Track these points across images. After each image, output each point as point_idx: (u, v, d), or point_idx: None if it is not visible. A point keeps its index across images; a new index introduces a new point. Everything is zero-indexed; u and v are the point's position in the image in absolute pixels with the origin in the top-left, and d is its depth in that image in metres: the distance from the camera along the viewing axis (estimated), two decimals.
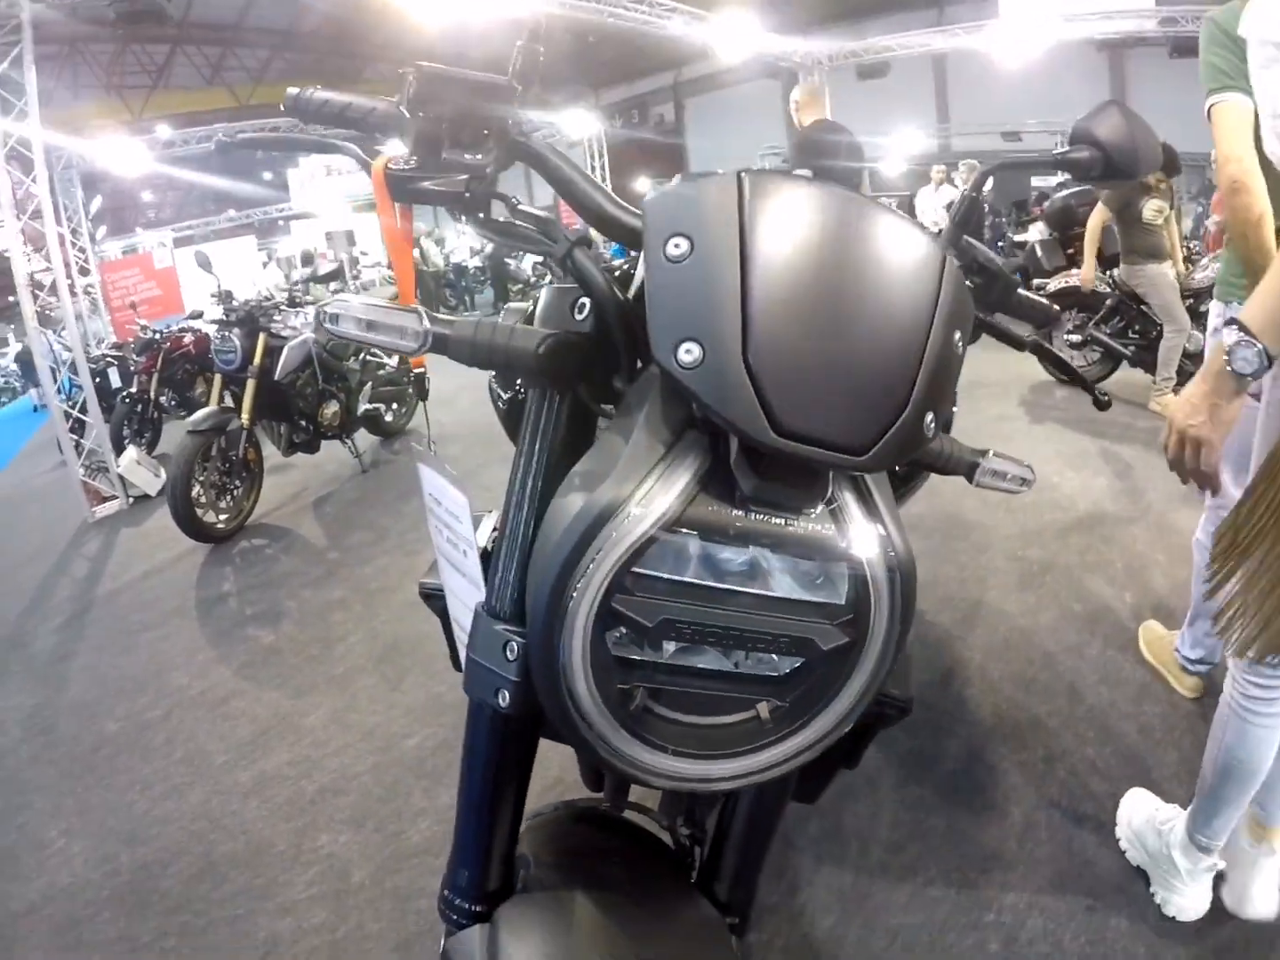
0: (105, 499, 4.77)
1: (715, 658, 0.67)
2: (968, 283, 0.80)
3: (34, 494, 6.22)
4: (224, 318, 4.11)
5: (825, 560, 0.64)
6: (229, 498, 4.00)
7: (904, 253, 0.64)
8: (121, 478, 4.70)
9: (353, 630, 3.11)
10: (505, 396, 1.32)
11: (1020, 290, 0.99)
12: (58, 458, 5.85)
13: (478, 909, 0.84)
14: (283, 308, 4.38)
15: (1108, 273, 4.89)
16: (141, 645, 3.11)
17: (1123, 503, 3.51)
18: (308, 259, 8.19)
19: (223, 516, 3.95)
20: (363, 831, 2.12)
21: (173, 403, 6.09)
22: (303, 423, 4.40)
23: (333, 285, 5.37)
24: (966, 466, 0.83)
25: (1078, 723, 2.18)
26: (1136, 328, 4.83)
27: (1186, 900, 1.62)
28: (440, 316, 0.68)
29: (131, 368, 5.83)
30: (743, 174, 0.62)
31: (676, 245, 0.59)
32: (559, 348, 0.70)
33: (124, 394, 5.76)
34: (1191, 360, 4.45)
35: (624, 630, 0.64)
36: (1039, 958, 1.58)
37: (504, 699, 0.74)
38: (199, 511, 3.77)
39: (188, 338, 6.15)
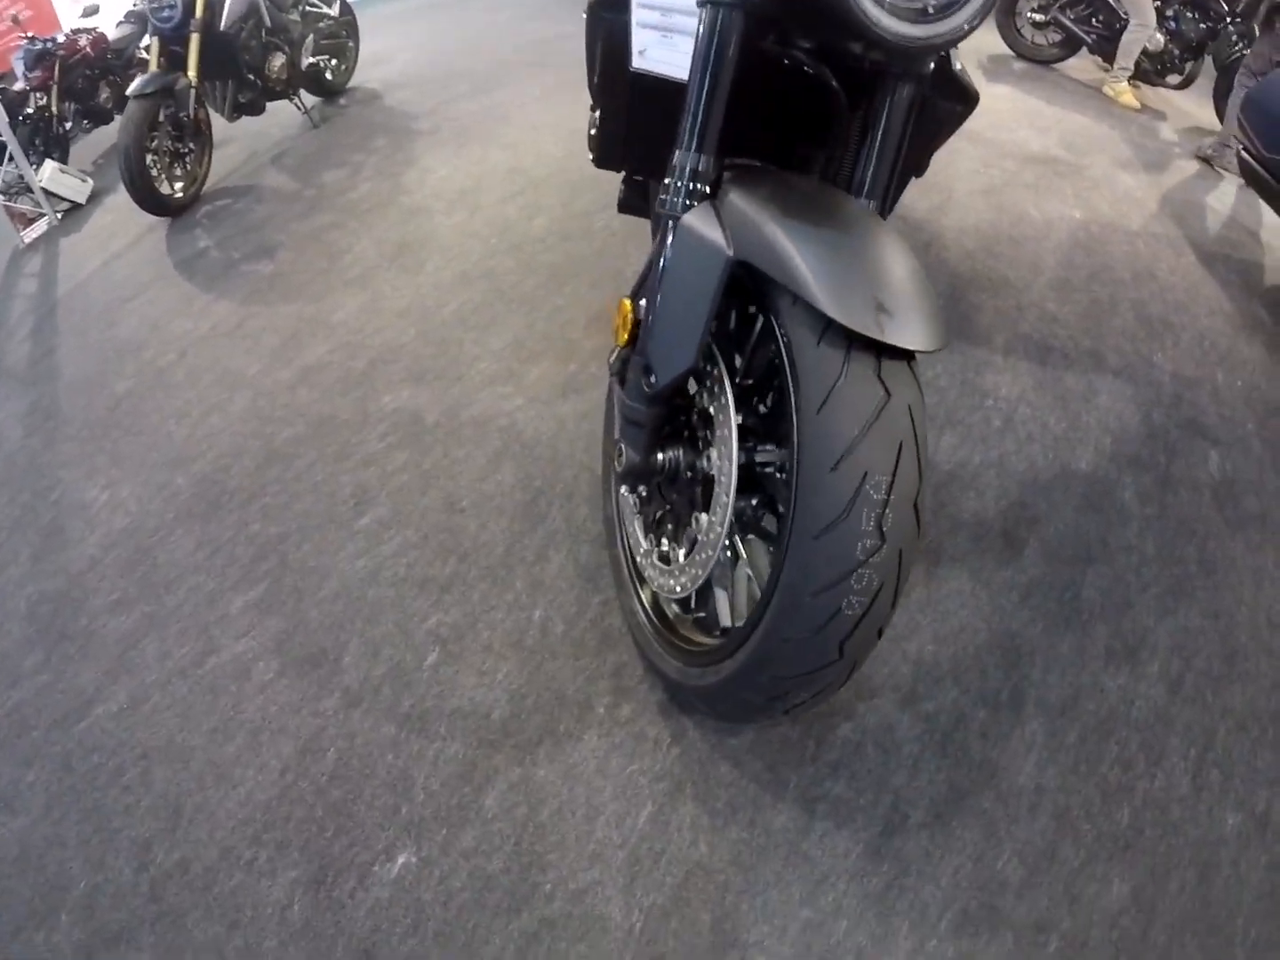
0: (32, 220, 4.28)
1: None
2: None
3: None
4: None
5: None
6: (183, 165, 3.52)
7: None
8: (46, 191, 4.17)
9: (355, 242, 2.76)
10: None
11: None
12: None
13: (703, 188, 1.01)
14: None
15: None
16: (129, 315, 2.77)
17: (1071, 154, 3.52)
18: None
19: (178, 185, 3.48)
20: (424, 384, 1.93)
21: (78, 115, 5.34)
22: (250, 77, 3.83)
23: None
24: None
25: (1043, 287, 2.48)
26: (1100, 17, 4.85)
27: None
28: None
29: (18, 87, 5.03)
30: None
31: None
32: None
33: (22, 114, 5.03)
34: (1150, 59, 4.66)
35: None
36: (1030, 432, 1.89)
37: None
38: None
39: (83, 40, 5.26)
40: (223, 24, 3.49)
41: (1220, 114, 4.30)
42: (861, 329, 0.82)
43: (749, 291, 0.98)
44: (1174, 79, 4.85)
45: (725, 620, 1.14)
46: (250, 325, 2.32)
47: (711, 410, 1.05)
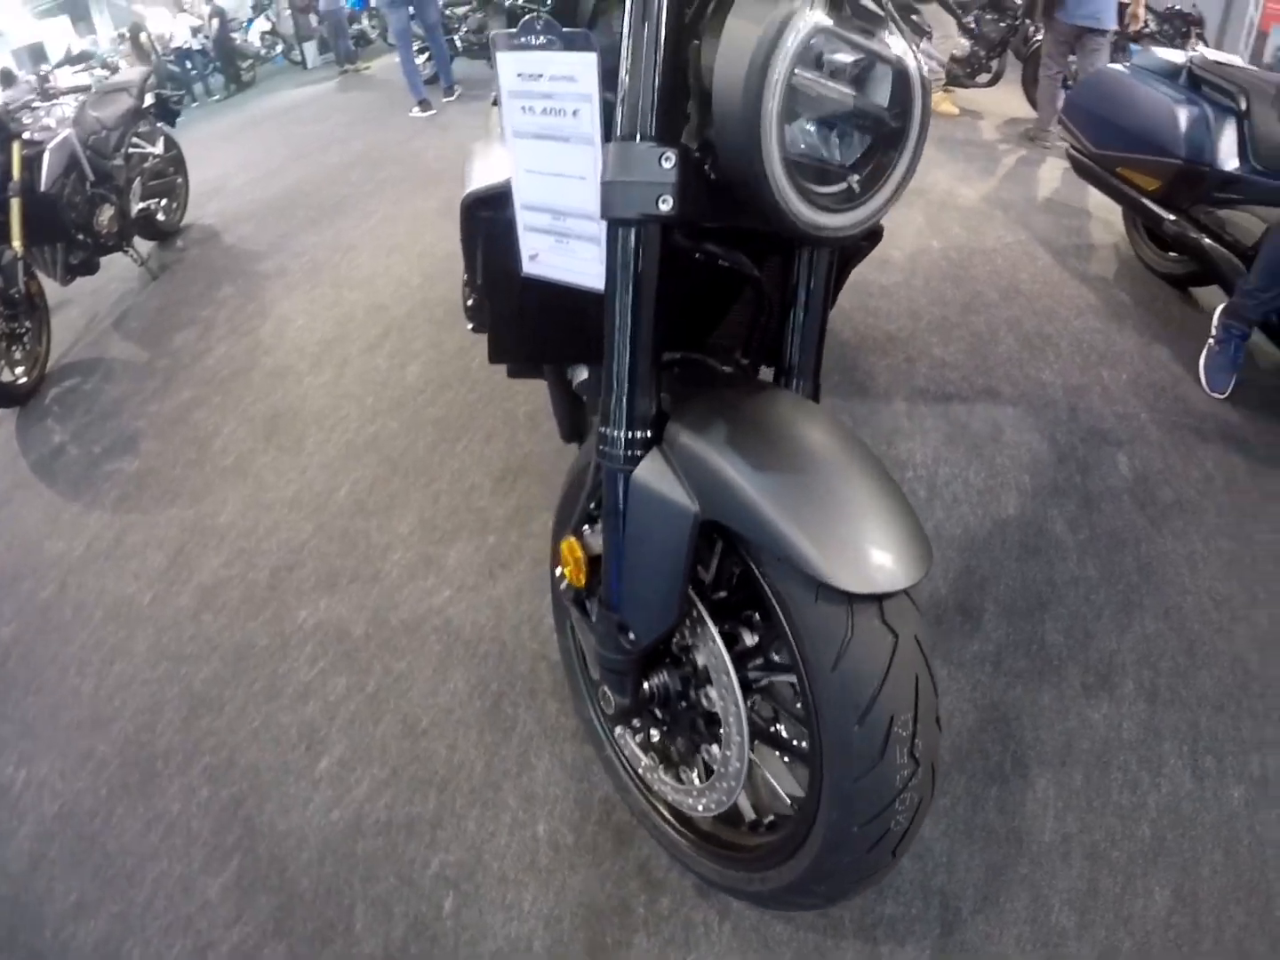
0: None
1: (845, 144, 0.87)
2: None
3: None
4: None
5: (891, 66, 0.84)
6: (21, 346, 3.27)
7: None
8: None
9: (223, 421, 2.67)
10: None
11: None
12: None
13: (647, 434, 0.95)
14: (34, 105, 3.46)
15: None
16: None
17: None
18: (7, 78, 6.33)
19: (19, 370, 3.21)
20: (338, 591, 1.88)
21: None
22: (80, 236, 3.59)
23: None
24: None
25: (925, 332, 2.66)
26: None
27: None
28: None
29: None
30: None
31: None
32: None
33: None
34: (959, 64, 5.18)
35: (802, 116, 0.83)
36: (955, 494, 2.02)
37: (666, 203, 0.85)
38: None
39: None
40: (43, 184, 3.29)
41: (1032, 100, 4.86)
42: (867, 588, 0.82)
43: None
44: (984, 78, 5.44)
45: (750, 815, 1.16)
46: (130, 541, 2.20)
47: (699, 652, 1.05)
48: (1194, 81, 2.78)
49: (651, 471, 0.93)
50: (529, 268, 1.02)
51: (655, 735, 1.18)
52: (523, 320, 1.22)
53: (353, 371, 2.82)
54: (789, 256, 1.05)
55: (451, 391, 2.61)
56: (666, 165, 0.84)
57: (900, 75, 0.84)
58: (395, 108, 6.96)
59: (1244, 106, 2.58)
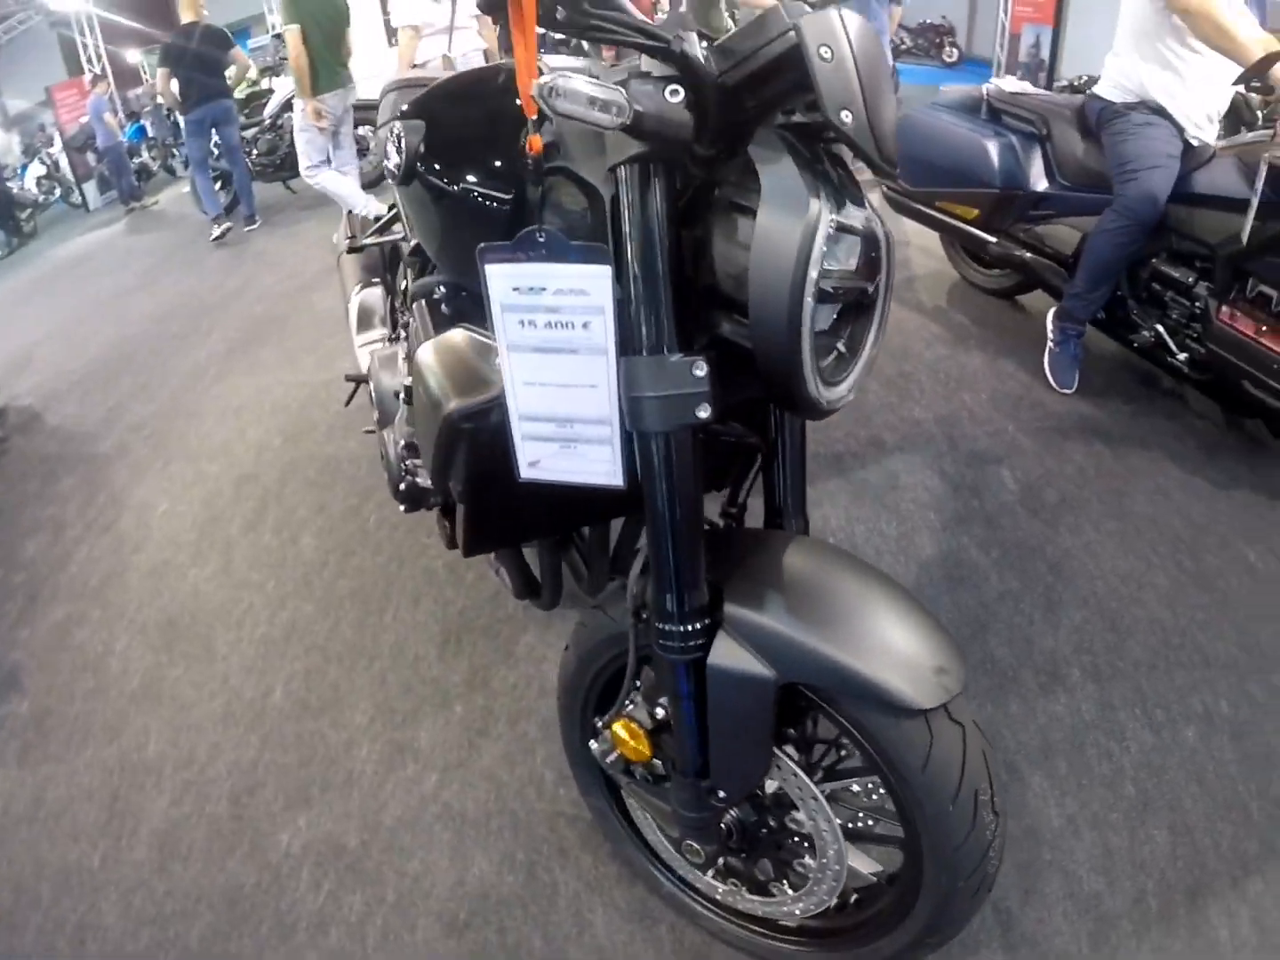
0: None
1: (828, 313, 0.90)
2: None
3: None
4: None
5: (871, 235, 0.89)
6: None
7: None
8: None
9: (111, 637, 2.50)
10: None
11: None
12: None
13: (704, 623, 0.99)
14: None
15: None
16: None
17: None
18: None
19: None
20: (314, 804, 1.81)
21: None
22: None
23: None
24: None
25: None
26: None
27: None
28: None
29: None
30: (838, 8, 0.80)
31: (824, 50, 0.77)
32: (679, 121, 0.83)
33: None
34: None
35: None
36: (876, 547, 2.26)
37: (704, 411, 0.89)
38: None
39: None
40: None
41: None
42: (939, 700, 0.94)
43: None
44: None
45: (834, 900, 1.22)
46: (52, 797, 2.03)
47: (780, 784, 1.13)
48: (994, 113, 3.17)
49: (724, 655, 0.99)
50: (528, 474, 1.00)
51: (734, 863, 1.25)
52: (504, 514, 1.28)
53: (241, 555, 2.74)
54: (765, 408, 1.16)
55: (357, 558, 2.59)
56: (699, 374, 0.88)
57: (872, 239, 0.89)
58: (196, 245, 6.77)
59: (1045, 131, 3.02)
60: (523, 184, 1.08)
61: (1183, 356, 2.65)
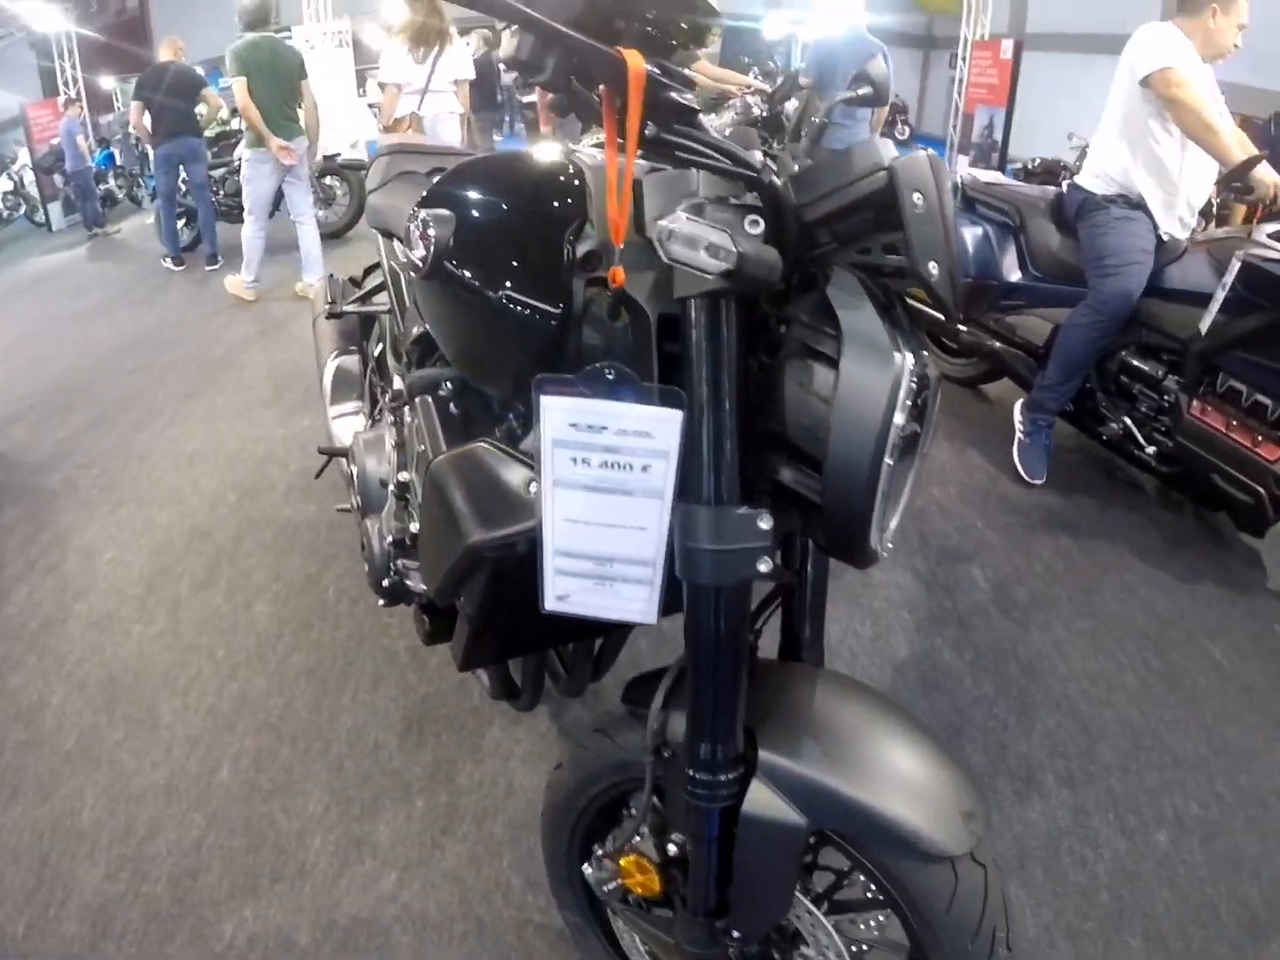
0: None
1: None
2: None
3: None
4: None
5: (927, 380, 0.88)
6: None
7: None
8: None
9: (48, 689, 2.38)
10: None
11: None
12: None
13: (736, 773, 0.98)
14: None
15: None
16: None
17: None
18: None
19: None
20: (262, 895, 1.76)
21: None
22: None
23: None
24: None
25: None
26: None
27: None
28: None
29: None
30: (927, 153, 0.81)
31: (917, 198, 0.77)
32: (771, 263, 0.80)
33: None
34: None
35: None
36: (851, 648, 2.35)
37: (765, 565, 0.86)
38: None
39: None
40: None
41: None
42: (968, 848, 0.95)
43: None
44: None
45: None
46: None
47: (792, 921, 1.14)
48: (968, 202, 3.23)
49: (757, 802, 0.97)
50: (554, 606, 0.94)
51: None
52: (509, 633, 1.27)
53: (190, 617, 2.68)
54: (790, 541, 1.14)
55: (315, 632, 2.57)
56: (764, 527, 0.85)
57: (924, 380, 0.87)
58: (158, 278, 6.70)
59: (1019, 222, 3.04)
60: (570, 298, 1.02)
61: (1151, 450, 2.73)
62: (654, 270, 0.89)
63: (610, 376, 0.83)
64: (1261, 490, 2.43)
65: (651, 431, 0.82)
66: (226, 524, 3.17)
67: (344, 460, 2.02)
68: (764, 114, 7.30)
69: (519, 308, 1.06)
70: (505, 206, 1.20)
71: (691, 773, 0.99)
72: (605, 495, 0.86)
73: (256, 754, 2.13)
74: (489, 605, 1.18)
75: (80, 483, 3.54)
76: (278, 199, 5.93)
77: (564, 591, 0.94)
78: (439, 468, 1.16)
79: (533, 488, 1.00)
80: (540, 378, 0.82)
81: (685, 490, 0.85)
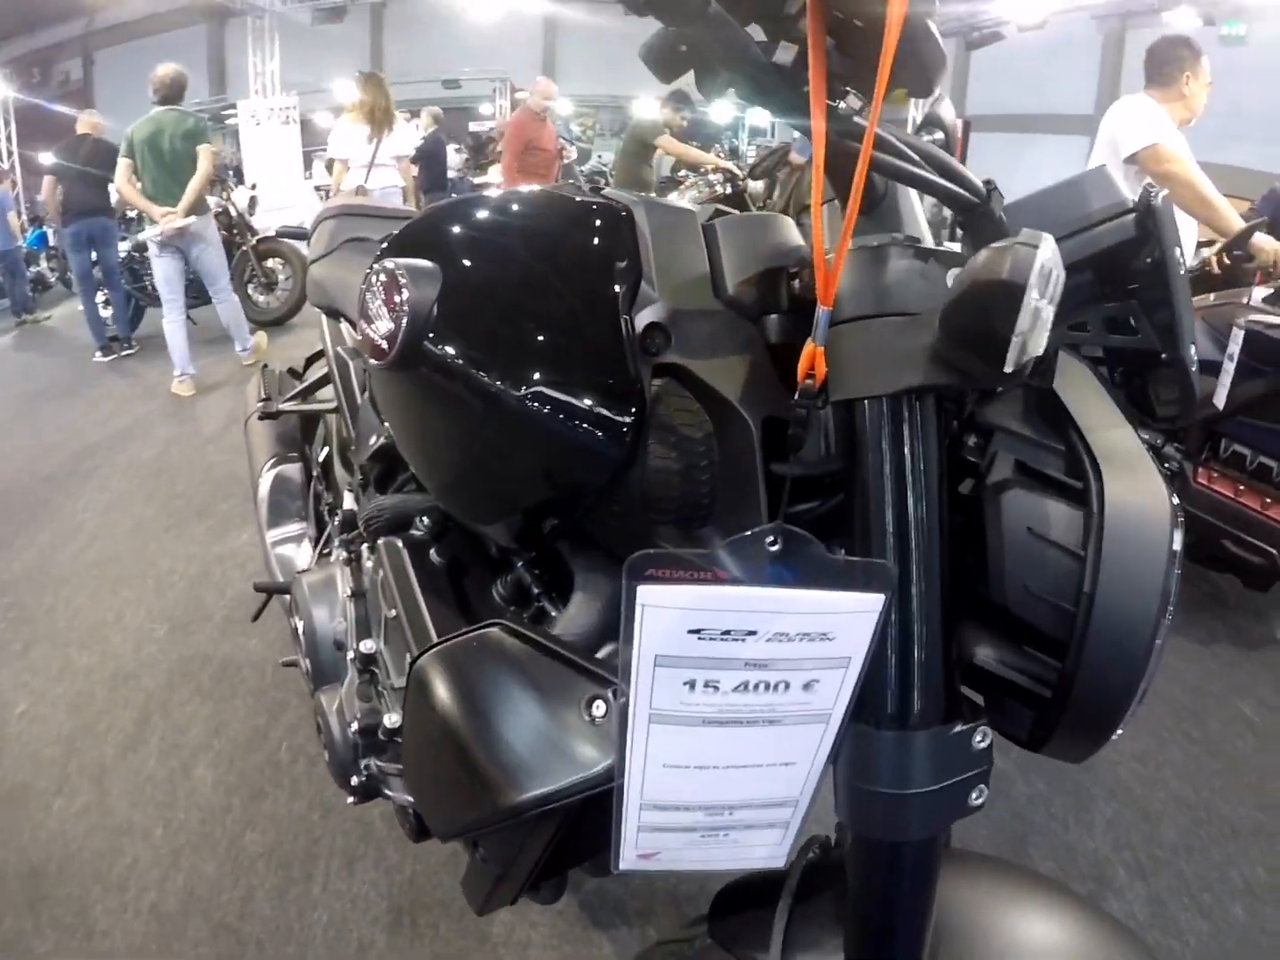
0: None
1: None
2: None
3: None
4: None
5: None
6: None
7: None
8: None
9: None
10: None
11: None
12: None
13: None
14: None
15: None
16: None
17: None
18: None
19: None
20: None
21: None
22: None
23: None
24: None
25: None
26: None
27: None
28: None
29: None
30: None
31: (1180, 255, 0.60)
32: None
33: None
34: None
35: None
36: None
37: (981, 797, 0.64)
38: None
39: None
40: None
41: None
42: None
43: None
44: None
45: None
46: None
47: None
48: None
49: None
50: (635, 865, 0.67)
51: None
52: (550, 869, 0.97)
53: (119, 786, 2.29)
54: None
55: (269, 802, 2.21)
56: (981, 746, 0.64)
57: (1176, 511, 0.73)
58: (84, 371, 6.34)
59: None
60: (640, 398, 0.70)
61: None
62: (750, 353, 0.65)
63: (775, 547, 0.52)
64: (1274, 551, 2.45)
65: (832, 632, 0.54)
66: (156, 665, 2.80)
67: (288, 600, 1.54)
68: (726, 192, 7.35)
69: (560, 415, 0.71)
70: (520, 257, 0.80)
71: None
72: (735, 729, 0.58)
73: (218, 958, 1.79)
74: (528, 863, 0.89)
75: None
76: (200, 285, 5.69)
77: (652, 849, 0.67)
78: (436, 668, 0.82)
79: (598, 708, 0.73)
80: (637, 558, 0.51)
81: (861, 706, 0.59)
